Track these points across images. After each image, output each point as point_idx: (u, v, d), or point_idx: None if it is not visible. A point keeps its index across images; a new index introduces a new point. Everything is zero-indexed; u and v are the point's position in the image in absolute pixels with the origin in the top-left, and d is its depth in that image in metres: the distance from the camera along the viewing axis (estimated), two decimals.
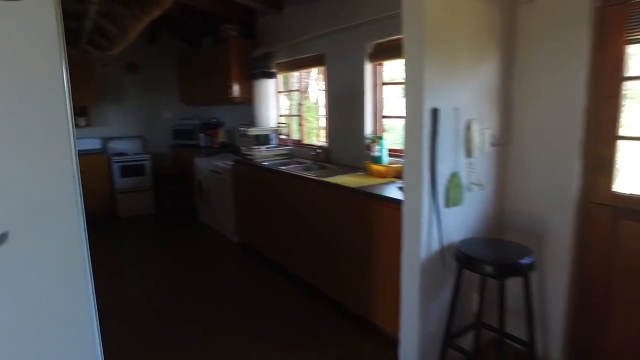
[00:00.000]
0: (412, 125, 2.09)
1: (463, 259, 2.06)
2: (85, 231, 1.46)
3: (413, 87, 2.05)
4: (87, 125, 5.90)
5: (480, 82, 2.24)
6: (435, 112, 2.05)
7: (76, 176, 1.39)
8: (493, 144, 2.36)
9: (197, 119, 6.48)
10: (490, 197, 2.41)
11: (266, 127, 4.59)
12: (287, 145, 4.50)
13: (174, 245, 4.82)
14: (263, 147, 4.37)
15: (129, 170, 5.88)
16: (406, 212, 2.20)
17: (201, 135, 6.15)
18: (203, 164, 5.20)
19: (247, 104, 5.17)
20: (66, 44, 1.42)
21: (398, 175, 2.96)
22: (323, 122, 4.21)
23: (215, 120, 6.36)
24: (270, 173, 3.77)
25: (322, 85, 4.02)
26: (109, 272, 3.94)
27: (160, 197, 6.23)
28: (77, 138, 6.45)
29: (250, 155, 4.25)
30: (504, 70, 2.31)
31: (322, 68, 3.97)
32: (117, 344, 2.63)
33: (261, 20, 4.91)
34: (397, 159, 3.15)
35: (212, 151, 5.60)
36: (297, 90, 4.54)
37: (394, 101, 3.38)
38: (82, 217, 1.43)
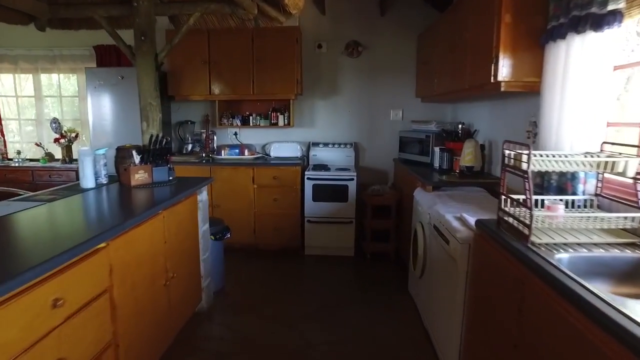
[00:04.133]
0: None
1: None
2: None
3: None
4: (287, 124, 4.44)
5: None
6: None
7: None
8: None
9: (435, 123, 4.17)
10: None
11: (570, 153, 1.83)
12: (633, 207, 1.65)
13: (359, 332, 2.71)
14: (560, 206, 1.68)
15: (326, 191, 4.11)
16: None
17: (436, 150, 3.81)
18: (425, 201, 2.87)
19: (531, 98, 2.56)
20: None
21: None
22: None
23: (463, 126, 3.87)
24: (562, 297, 1.12)
25: None
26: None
27: (363, 235, 4.26)
28: (274, 142, 4.77)
29: (516, 218, 1.66)
30: None
31: None
32: None
33: None
34: None
35: (447, 180, 3.17)
36: None
37: None
38: None
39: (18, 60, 4.76)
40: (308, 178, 4.08)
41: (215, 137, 4.69)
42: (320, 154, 4.55)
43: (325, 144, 4.57)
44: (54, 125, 4.56)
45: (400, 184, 4.22)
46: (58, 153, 4.68)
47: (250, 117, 4.50)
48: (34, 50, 4.71)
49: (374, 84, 4.56)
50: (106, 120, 4.15)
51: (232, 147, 4.48)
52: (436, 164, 3.80)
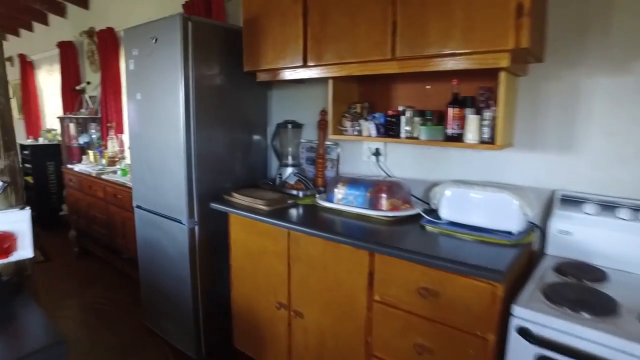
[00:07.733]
0: None
1: None
2: None
3: None
4: (489, 141, 1.63)
5: None
6: None
7: None
8: None
9: None
10: None
11: None
12: None
13: None
14: None
15: None
16: None
17: None
18: None
19: None
20: None
21: None
22: None
23: None
24: None
25: None
26: None
27: None
28: (450, 181, 1.68)
29: None
30: None
31: None
32: None
33: None
34: None
35: None
36: None
37: None
38: None
39: None
40: (524, 334, 1.25)
41: (339, 154, 2.33)
42: (582, 233, 1.56)
43: (605, 206, 1.54)
44: None
45: None
46: None
47: (402, 119, 1.90)
48: None
49: None
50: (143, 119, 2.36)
51: (352, 184, 2.01)
52: None
